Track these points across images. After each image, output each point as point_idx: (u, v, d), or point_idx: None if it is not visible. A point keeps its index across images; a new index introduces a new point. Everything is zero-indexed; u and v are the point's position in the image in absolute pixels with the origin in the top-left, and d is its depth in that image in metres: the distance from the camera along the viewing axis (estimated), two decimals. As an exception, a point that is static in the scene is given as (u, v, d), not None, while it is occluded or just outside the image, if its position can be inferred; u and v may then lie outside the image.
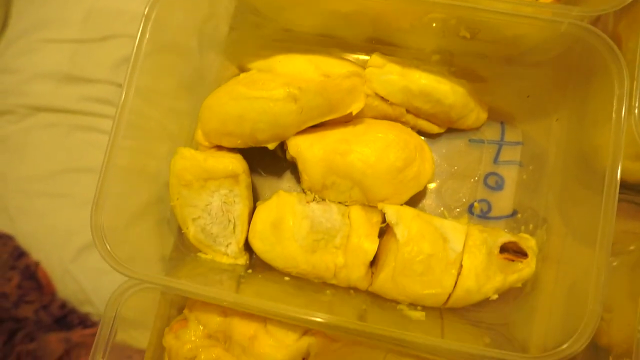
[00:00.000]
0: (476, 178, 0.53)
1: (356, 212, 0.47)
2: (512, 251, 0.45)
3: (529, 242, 0.46)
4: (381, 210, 0.46)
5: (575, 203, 0.47)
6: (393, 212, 0.45)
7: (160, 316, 0.53)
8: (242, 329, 0.45)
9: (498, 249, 0.45)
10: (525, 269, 0.45)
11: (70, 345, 0.70)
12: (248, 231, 0.49)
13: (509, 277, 0.45)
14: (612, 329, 0.48)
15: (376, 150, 0.46)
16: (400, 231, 0.44)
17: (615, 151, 0.40)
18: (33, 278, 0.70)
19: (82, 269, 0.70)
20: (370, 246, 0.45)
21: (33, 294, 0.70)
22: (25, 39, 0.72)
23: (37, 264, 0.71)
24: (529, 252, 0.45)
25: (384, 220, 0.46)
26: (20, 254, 0.70)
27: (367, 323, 0.41)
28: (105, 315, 0.42)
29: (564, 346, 0.38)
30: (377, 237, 0.46)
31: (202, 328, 0.48)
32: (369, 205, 0.48)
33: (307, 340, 0.45)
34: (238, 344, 0.45)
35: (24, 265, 0.70)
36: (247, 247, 0.50)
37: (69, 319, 0.71)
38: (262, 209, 0.48)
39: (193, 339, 0.47)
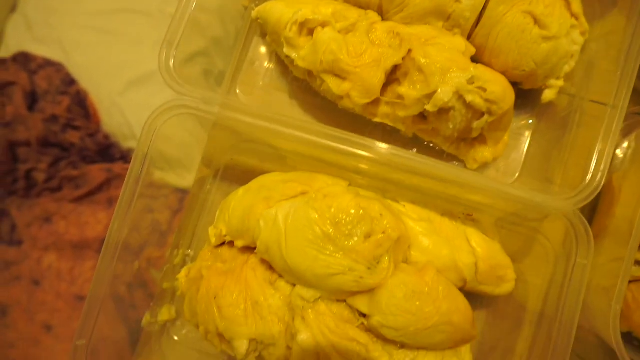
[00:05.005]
0: None
1: None
2: None
3: None
4: None
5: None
6: None
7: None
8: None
9: None
10: None
11: (112, 175, 0.72)
12: None
13: None
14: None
15: None
16: None
17: None
18: (82, 105, 0.71)
19: (129, 103, 0.71)
20: None
21: (80, 120, 0.71)
22: None
23: (86, 93, 0.72)
24: None
25: None
26: (71, 81, 0.71)
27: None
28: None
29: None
30: None
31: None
32: None
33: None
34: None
35: (75, 91, 0.71)
36: None
37: (112, 152, 0.73)
38: None
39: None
